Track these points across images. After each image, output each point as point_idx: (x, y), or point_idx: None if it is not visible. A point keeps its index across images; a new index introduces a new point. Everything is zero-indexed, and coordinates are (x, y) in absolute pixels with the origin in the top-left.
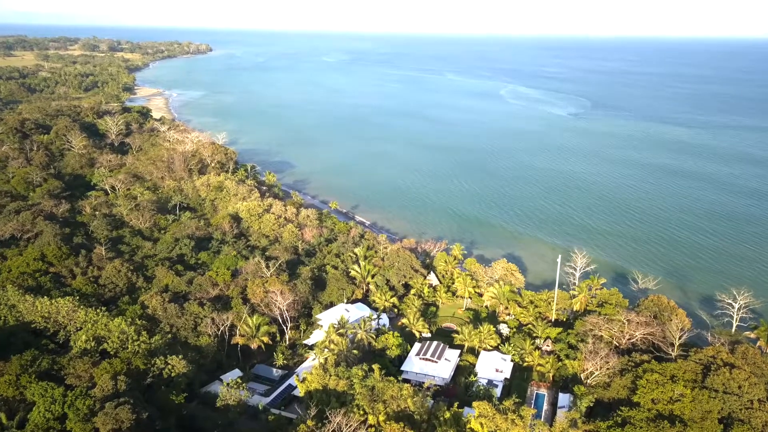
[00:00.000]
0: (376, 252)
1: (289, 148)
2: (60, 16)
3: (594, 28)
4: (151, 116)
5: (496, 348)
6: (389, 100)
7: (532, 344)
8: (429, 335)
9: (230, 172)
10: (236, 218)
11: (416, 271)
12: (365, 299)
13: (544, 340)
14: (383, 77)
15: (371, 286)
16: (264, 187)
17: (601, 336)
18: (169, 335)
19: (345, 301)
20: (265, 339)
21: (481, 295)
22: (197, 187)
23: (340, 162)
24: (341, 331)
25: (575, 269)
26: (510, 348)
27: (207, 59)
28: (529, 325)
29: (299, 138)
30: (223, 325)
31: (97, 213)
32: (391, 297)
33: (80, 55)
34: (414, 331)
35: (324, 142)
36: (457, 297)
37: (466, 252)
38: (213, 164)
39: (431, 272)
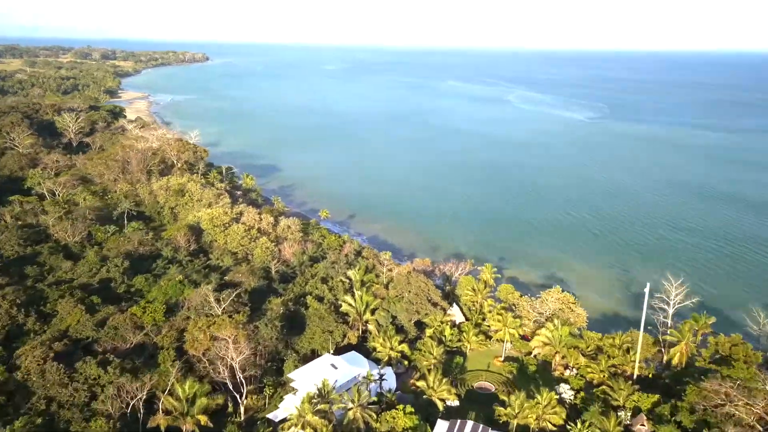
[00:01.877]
0: (377, 276)
1: (279, 152)
2: (63, 30)
3: (590, 42)
4: (124, 116)
5: (563, 427)
6: (392, 105)
7: (618, 422)
8: (456, 402)
9: (200, 174)
10: (198, 230)
11: (435, 305)
12: (362, 345)
13: (633, 415)
14: (384, 84)
15: (370, 326)
16: (238, 192)
17: (738, 416)
18: (40, 419)
19: (331, 350)
20: (203, 419)
21: (526, 338)
22: (154, 191)
23: (337, 168)
24: (323, 406)
25: (667, 303)
26: (584, 429)
27: (203, 67)
28: (604, 387)
29: (293, 142)
30: (135, 398)
31: (19, 222)
32: (400, 343)
33: (69, 61)
34: (435, 398)
35: (320, 147)
36: (492, 340)
37: (499, 275)
38: (180, 165)
39: (454, 304)
